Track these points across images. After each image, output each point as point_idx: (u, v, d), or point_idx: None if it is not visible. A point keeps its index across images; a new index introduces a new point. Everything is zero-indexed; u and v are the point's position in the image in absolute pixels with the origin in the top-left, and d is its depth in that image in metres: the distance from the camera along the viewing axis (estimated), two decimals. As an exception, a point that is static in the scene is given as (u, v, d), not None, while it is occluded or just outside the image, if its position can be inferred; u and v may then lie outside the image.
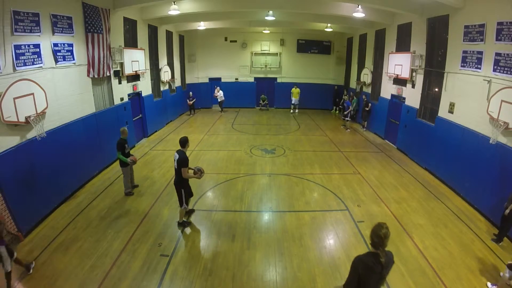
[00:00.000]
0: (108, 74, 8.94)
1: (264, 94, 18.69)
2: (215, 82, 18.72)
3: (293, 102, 17.60)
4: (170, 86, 15.19)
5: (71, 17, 7.17)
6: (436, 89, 9.05)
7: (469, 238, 5.79)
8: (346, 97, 15.71)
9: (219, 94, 17.41)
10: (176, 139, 12.11)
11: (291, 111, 17.83)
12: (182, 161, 5.52)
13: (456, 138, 7.70)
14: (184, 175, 5.61)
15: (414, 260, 5.10)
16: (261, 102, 18.65)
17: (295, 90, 17.39)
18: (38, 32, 6.08)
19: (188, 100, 17.07)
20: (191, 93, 17.20)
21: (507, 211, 5.21)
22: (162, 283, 4.57)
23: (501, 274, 4.43)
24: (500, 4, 6.26)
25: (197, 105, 17.90)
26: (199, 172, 5.81)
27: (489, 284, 4.55)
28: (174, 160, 5.67)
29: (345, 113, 14.49)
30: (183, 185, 5.78)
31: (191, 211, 6.46)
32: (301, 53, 18.39)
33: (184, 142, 5.68)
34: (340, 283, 4.55)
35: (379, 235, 2.64)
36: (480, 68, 6.92)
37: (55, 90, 6.71)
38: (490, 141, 6.31)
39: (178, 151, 5.64)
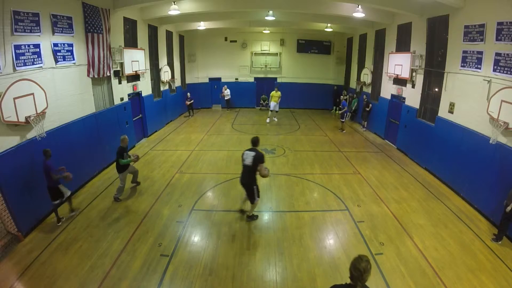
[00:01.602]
0: (108, 74, 8.94)
1: (264, 94, 18.68)
2: (215, 82, 18.76)
3: (271, 107, 14.85)
4: (170, 86, 15.19)
5: (71, 17, 7.17)
6: (436, 89, 9.05)
7: (469, 238, 5.79)
8: (342, 97, 15.55)
9: (226, 92, 17.73)
10: (176, 139, 12.18)
11: (268, 120, 15.17)
12: (261, 157, 5.80)
13: (456, 138, 7.70)
14: (262, 172, 5.82)
15: (414, 260, 5.09)
16: (261, 102, 18.64)
17: (276, 93, 14.72)
18: (38, 32, 6.09)
19: (186, 101, 16.72)
20: (189, 94, 16.75)
21: (509, 208, 5.21)
22: (162, 283, 4.57)
23: None
24: (500, 4, 6.25)
25: (197, 105, 17.87)
26: (267, 170, 5.99)
27: None
28: (245, 158, 5.88)
29: (340, 112, 14.15)
30: (255, 181, 6.04)
31: (244, 211, 6.48)
32: (301, 53, 18.39)
33: (257, 141, 6.01)
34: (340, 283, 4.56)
35: (358, 269, 2.47)
36: (480, 68, 6.92)
37: (55, 90, 6.72)
38: (490, 141, 6.31)
39: (251, 150, 5.87)
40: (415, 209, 6.84)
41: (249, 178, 5.96)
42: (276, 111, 15.16)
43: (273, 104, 14.80)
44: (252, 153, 5.78)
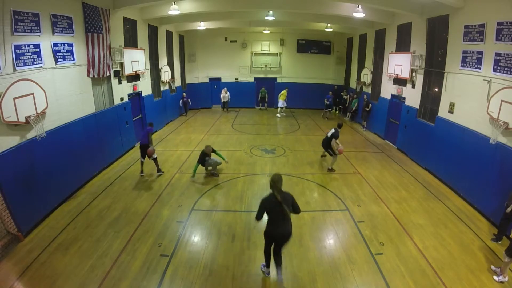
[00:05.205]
0: (108, 74, 8.94)
1: (264, 87, 18.52)
2: (215, 82, 18.76)
3: (279, 105, 16.83)
4: (170, 86, 15.19)
5: (71, 17, 7.17)
6: (436, 89, 9.05)
7: (469, 238, 5.79)
8: (331, 92, 16.70)
9: (226, 95, 17.79)
10: (176, 139, 12.18)
11: (278, 114, 16.91)
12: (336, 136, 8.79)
13: (456, 138, 7.70)
14: (333, 144, 8.79)
15: (414, 260, 5.09)
16: (259, 98, 18.56)
17: (283, 93, 16.69)
18: (38, 32, 6.08)
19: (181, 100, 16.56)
20: (184, 93, 16.79)
21: (509, 209, 5.21)
22: (162, 283, 4.57)
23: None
24: (500, 4, 6.26)
25: (197, 105, 17.82)
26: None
27: (492, 267, 4.87)
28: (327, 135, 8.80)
29: (327, 103, 16.29)
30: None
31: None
32: (301, 53, 18.38)
33: (341, 125, 9.10)
34: (340, 283, 4.60)
35: (272, 180, 4.37)
36: (480, 68, 6.92)
37: (55, 90, 6.71)
38: (490, 141, 6.31)
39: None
40: (415, 209, 6.84)
41: (328, 142, 8.32)
42: (284, 107, 17.11)
43: (280, 102, 16.82)
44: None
